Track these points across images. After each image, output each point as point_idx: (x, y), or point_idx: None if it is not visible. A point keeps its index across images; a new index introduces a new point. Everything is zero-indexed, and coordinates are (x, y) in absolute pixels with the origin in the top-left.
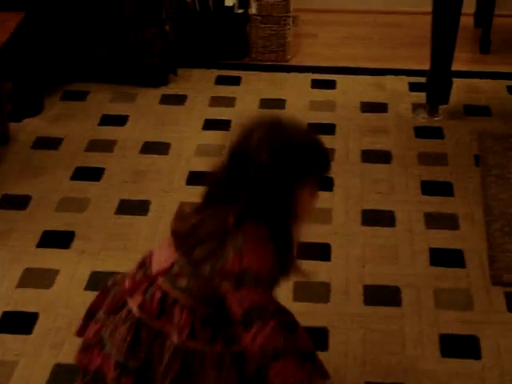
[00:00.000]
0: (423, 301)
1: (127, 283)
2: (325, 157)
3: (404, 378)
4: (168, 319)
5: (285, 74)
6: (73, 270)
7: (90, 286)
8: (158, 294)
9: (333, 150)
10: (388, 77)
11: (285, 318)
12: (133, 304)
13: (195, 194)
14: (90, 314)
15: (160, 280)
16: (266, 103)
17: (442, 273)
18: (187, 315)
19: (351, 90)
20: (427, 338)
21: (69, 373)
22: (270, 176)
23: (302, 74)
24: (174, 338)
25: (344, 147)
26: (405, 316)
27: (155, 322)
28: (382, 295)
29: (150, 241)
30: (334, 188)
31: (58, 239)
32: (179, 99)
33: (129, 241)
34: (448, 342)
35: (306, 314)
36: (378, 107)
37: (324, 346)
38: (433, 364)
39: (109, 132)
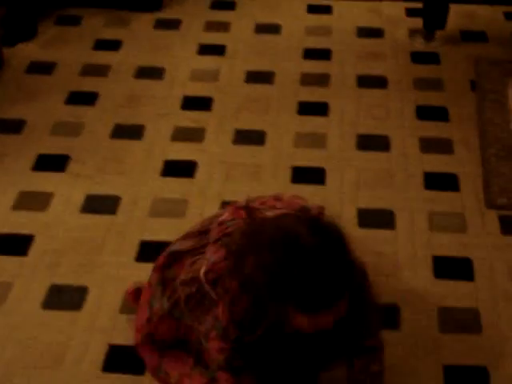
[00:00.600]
0: (417, 224)
1: None
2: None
3: (397, 299)
4: None
5: None
6: (68, 193)
7: (85, 208)
8: None
9: (328, 76)
10: (385, 2)
11: None
12: None
13: (189, 119)
14: None
15: None
16: (261, 28)
17: (436, 196)
18: None
19: (347, 15)
20: (421, 260)
21: (64, 293)
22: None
23: None
24: None
25: (340, 72)
26: (398, 239)
27: None
28: (376, 218)
29: (145, 165)
30: (329, 113)
31: (52, 163)
32: (173, 24)
33: (123, 164)
34: (441, 264)
35: None
36: (375, 32)
37: None
38: (426, 285)
39: (103, 57)
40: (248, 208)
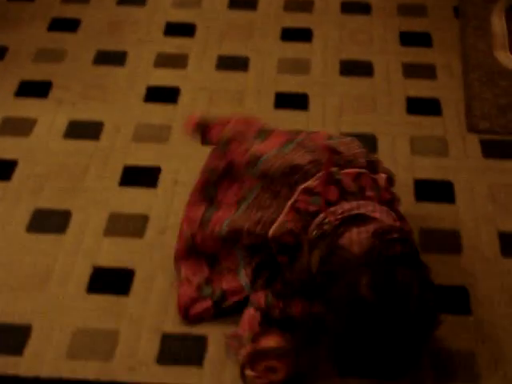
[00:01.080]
0: (399, 147)
1: None
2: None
3: None
4: None
5: None
6: (51, 118)
7: (68, 134)
8: None
9: (312, 2)
10: None
11: None
12: None
13: (172, 45)
14: None
15: None
16: None
17: (418, 121)
18: None
19: None
20: (402, 183)
21: (48, 217)
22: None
23: None
24: None
25: None
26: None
27: None
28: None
29: (128, 91)
30: (313, 39)
31: (35, 89)
32: None
33: (106, 90)
34: (423, 187)
35: None
36: None
37: None
38: (408, 208)
39: None
40: (338, 182)
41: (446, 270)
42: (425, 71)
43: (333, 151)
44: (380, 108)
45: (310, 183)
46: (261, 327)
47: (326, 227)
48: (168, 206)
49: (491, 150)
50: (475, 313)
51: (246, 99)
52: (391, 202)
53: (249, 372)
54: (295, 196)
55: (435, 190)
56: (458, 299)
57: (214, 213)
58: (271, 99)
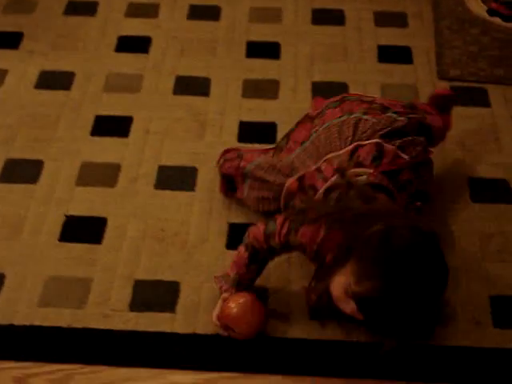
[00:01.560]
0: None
1: None
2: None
3: None
4: None
5: None
6: (22, 69)
7: (39, 84)
8: None
9: None
10: None
11: None
12: None
13: None
14: None
15: None
16: None
17: (389, 69)
18: None
19: None
20: None
21: (20, 167)
22: None
23: None
24: None
25: None
26: None
27: None
28: (331, 91)
29: (99, 41)
30: None
31: (6, 40)
32: None
33: (77, 41)
34: None
35: (255, 109)
36: None
37: (273, 140)
38: None
39: None
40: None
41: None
42: (396, 19)
43: None
44: (351, 56)
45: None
46: (235, 288)
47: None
48: (140, 155)
49: (461, 97)
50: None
51: (218, 48)
52: (394, 173)
53: (215, 321)
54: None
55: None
56: None
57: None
58: (243, 48)
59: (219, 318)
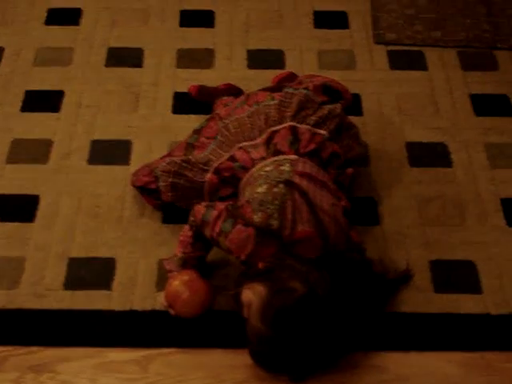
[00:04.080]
0: (306, 62)
1: None
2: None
3: None
4: None
5: None
6: None
7: None
8: None
9: None
10: None
11: None
12: None
13: None
14: None
15: None
16: None
17: (325, 35)
18: None
19: None
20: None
21: None
22: None
23: None
24: None
25: None
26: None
27: None
28: (266, 59)
29: (28, 14)
30: None
31: None
32: None
33: (6, 15)
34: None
35: (191, 80)
36: None
37: (208, 111)
38: None
39: None
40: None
41: (355, 183)
42: None
43: None
44: (287, 23)
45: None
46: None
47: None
48: (72, 130)
49: (398, 61)
50: (383, 223)
51: (151, 18)
52: (316, 151)
53: (160, 298)
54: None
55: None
56: (367, 210)
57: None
58: (176, 18)
59: (165, 295)
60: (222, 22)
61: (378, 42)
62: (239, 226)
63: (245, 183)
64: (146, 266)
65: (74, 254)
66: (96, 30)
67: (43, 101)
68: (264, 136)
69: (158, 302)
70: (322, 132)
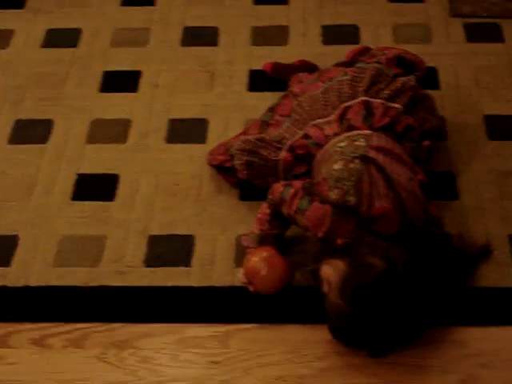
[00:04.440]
0: (382, 36)
1: None
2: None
3: None
4: None
5: None
6: (28, 29)
7: (46, 43)
8: None
9: None
10: None
11: None
12: None
13: None
14: None
15: None
16: None
17: (400, 8)
18: None
19: None
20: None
21: (30, 127)
22: None
23: None
24: None
25: None
26: None
27: None
28: (341, 34)
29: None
30: None
31: (11, 0)
32: None
33: None
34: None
35: (266, 57)
36: None
37: (285, 88)
38: None
39: None
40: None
41: (434, 157)
42: None
43: None
44: None
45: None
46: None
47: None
48: (149, 110)
49: (474, 33)
50: (462, 197)
51: None
52: (390, 125)
53: (242, 278)
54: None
55: (420, 80)
56: (445, 185)
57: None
58: None
59: (244, 271)
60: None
61: (454, 15)
62: (316, 204)
63: (319, 160)
64: (225, 243)
65: (154, 232)
66: (171, 9)
67: (121, 81)
68: (337, 112)
69: (237, 278)
70: (396, 105)
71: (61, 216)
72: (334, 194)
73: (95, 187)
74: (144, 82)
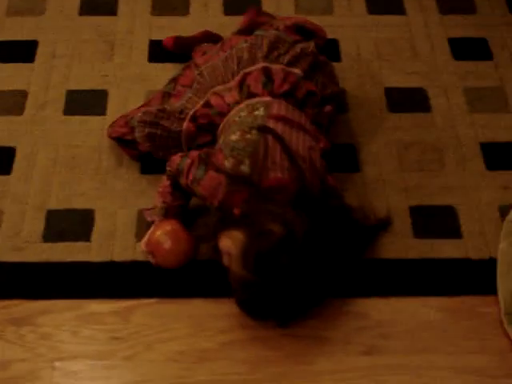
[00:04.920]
0: (283, 6)
1: None
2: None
3: None
4: None
5: None
6: None
7: None
8: None
9: None
10: None
11: None
12: None
13: None
14: None
15: None
16: None
17: None
18: None
19: None
20: None
21: None
22: None
23: None
24: None
25: None
26: None
27: None
28: (242, 5)
29: None
30: None
31: None
32: None
33: None
34: None
35: (166, 27)
36: None
37: (186, 59)
38: None
39: None
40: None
41: (334, 130)
42: None
43: None
44: None
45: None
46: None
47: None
48: (47, 81)
49: (376, 5)
50: (363, 170)
51: None
52: (290, 92)
53: (144, 248)
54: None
55: (321, 50)
56: (347, 157)
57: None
58: None
59: (146, 244)
60: None
61: None
62: (211, 173)
63: (221, 130)
64: (125, 217)
65: (52, 206)
66: None
67: (17, 51)
68: (237, 78)
69: (140, 249)
70: (296, 71)
71: None
72: (228, 163)
73: None
74: (41, 52)
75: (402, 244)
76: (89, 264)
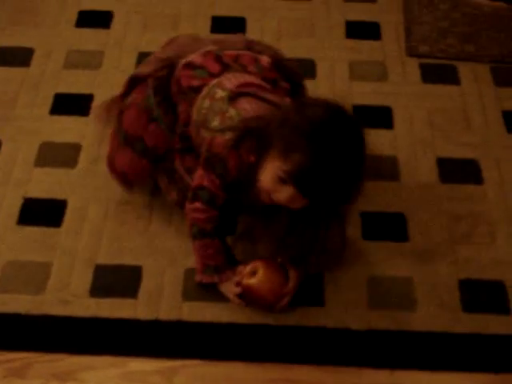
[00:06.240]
0: (338, 73)
1: None
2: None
3: None
4: None
5: None
6: None
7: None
8: None
9: None
10: None
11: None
12: None
13: None
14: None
15: None
16: None
17: (357, 45)
18: None
19: None
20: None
21: None
22: None
23: None
24: None
25: None
26: (320, 87)
27: None
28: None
29: (59, 16)
30: None
31: None
32: None
33: (37, 16)
34: (361, 112)
35: None
36: None
37: None
38: None
39: None
40: (219, 57)
41: (384, 197)
42: None
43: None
44: (319, 32)
45: (191, 57)
46: None
47: (219, 95)
48: (100, 135)
49: (430, 74)
50: (412, 239)
51: (182, 23)
52: (275, 81)
53: (237, 302)
54: (178, 72)
55: (374, 116)
56: (396, 226)
57: None
58: (207, 23)
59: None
60: (253, 29)
61: (410, 55)
62: (227, 155)
63: (196, 139)
64: (173, 275)
65: (101, 261)
66: (127, 33)
67: (72, 104)
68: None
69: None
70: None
71: (5, 240)
72: (215, 122)
73: (42, 212)
74: (96, 106)
75: (450, 317)
76: (134, 322)
